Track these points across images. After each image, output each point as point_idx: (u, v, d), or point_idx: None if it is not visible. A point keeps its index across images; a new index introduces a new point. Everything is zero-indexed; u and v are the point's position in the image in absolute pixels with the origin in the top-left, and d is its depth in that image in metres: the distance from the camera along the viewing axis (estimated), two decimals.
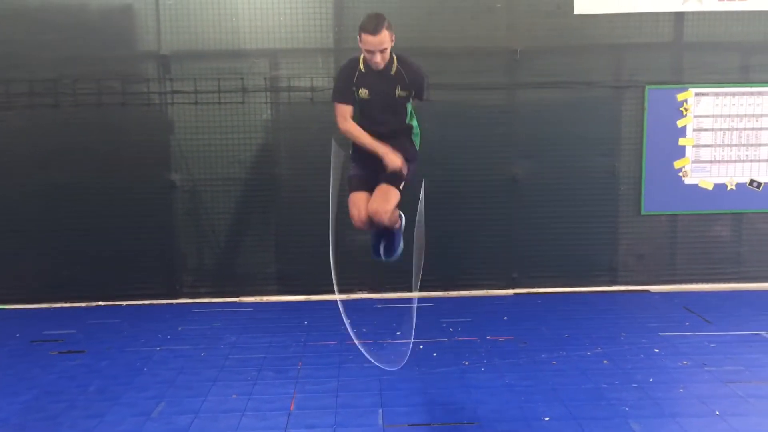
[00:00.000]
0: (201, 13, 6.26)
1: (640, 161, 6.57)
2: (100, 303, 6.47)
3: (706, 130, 6.59)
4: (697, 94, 6.53)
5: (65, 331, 5.70)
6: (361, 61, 4.18)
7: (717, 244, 6.72)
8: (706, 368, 4.71)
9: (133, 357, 5.09)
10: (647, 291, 6.65)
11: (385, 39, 4.01)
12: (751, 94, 6.56)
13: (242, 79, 6.34)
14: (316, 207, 6.46)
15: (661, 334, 5.40)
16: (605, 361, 4.85)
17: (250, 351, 5.18)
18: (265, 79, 6.36)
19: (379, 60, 4.08)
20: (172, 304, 6.46)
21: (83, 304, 6.45)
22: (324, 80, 6.36)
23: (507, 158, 6.50)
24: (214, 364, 4.93)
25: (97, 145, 6.33)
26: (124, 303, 6.45)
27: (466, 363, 4.87)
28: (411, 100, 4.33)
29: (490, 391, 4.40)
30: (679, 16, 6.44)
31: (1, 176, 6.35)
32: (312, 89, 6.37)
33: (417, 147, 4.52)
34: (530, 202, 6.55)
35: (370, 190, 4.30)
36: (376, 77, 4.18)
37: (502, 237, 6.58)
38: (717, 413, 4.04)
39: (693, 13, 6.42)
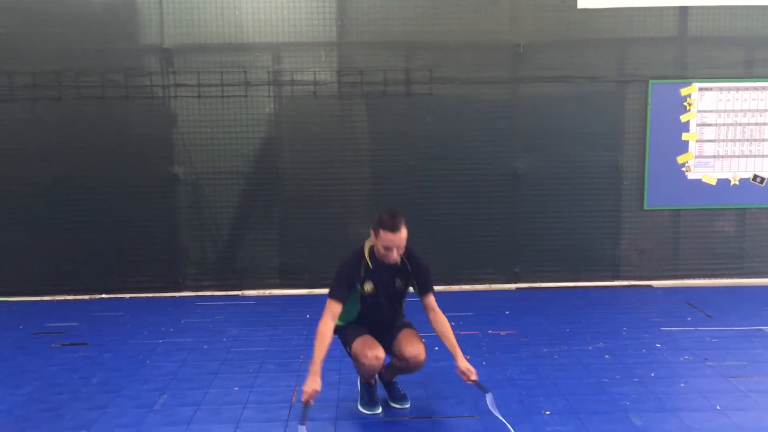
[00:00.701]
0: (204, 6, 6.26)
1: (643, 156, 6.56)
2: (103, 295, 6.50)
3: (709, 125, 6.58)
4: (700, 89, 6.52)
5: (68, 324, 5.72)
6: (367, 256, 3.99)
7: (720, 240, 6.72)
8: (707, 363, 4.71)
9: (136, 349, 5.11)
10: (649, 286, 6.65)
11: (404, 236, 3.86)
12: (755, 89, 6.54)
13: (245, 72, 6.34)
14: (318, 201, 6.49)
15: (662, 329, 5.40)
16: (607, 356, 4.86)
17: (252, 344, 5.20)
18: (268, 72, 6.36)
19: (396, 256, 3.90)
20: (174, 296, 6.48)
21: (86, 297, 6.47)
22: (327, 74, 6.36)
23: (509, 152, 6.50)
24: (217, 357, 4.94)
25: (100, 138, 6.34)
26: (127, 296, 6.47)
27: (468, 357, 4.86)
28: (413, 290, 4.12)
29: (491, 384, 4.37)
30: (683, 11, 6.42)
31: (3, 169, 6.36)
32: (315, 83, 6.36)
33: None
34: (532, 197, 6.55)
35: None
36: (383, 271, 4.00)
37: (504, 231, 6.58)
38: (718, 408, 4.04)
39: (697, 7, 6.40)
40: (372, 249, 3.97)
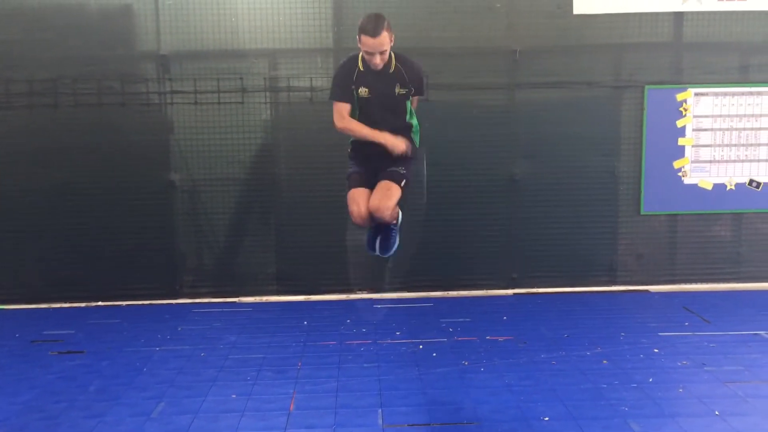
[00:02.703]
0: (200, 13, 6.25)
1: (639, 161, 6.57)
2: (100, 303, 6.47)
3: (705, 130, 6.59)
4: (696, 94, 6.54)
5: (65, 331, 5.70)
6: (360, 59, 4.19)
7: (716, 244, 6.72)
8: (705, 368, 4.71)
9: (133, 357, 5.09)
10: (647, 291, 6.65)
11: (384, 41, 4.02)
12: (751, 94, 6.56)
13: (241, 79, 6.34)
14: (315, 207, 6.49)
15: (660, 334, 5.40)
16: (605, 361, 4.85)
17: (250, 351, 5.18)
18: (264, 79, 6.36)
19: (378, 61, 4.09)
20: (171, 304, 6.46)
21: (83, 304, 6.45)
22: (323, 80, 6.35)
23: (506, 158, 6.50)
24: (214, 364, 4.93)
25: (96, 145, 6.33)
26: (124, 303, 6.45)
27: (466, 363, 4.87)
28: (410, 98, 4.34)
29: (489, 391, 4.40)
30: (678, 16, 6.44)
31: (0, 176, 6.34)
32: (311, 89, 6.37)
33: (417, 144, 4.53)
34: (530, 202, 6.55)
35: (370, 187, 4.29)
36: (376, 76, 4.19)
37: (501, 237, 6.58)
38: (716, 413, 4.04)
39: (692, 13, 6.42)
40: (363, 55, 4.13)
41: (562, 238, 6.61)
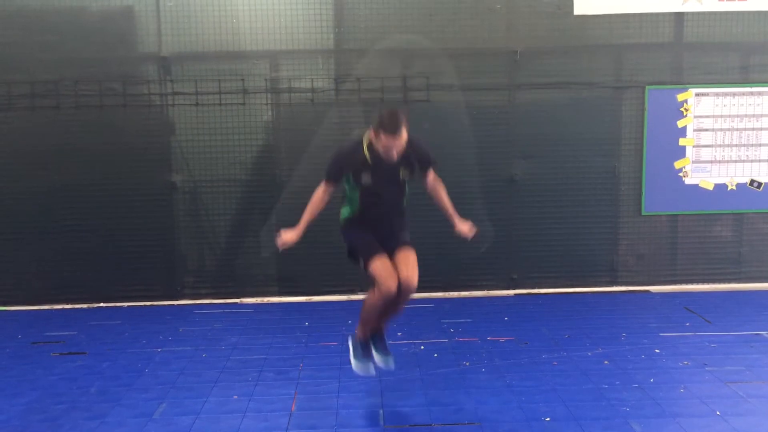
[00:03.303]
0: (201, 14, 6.27)
1: (640, 161, 6.58)
2: (101, 304, 6.48)
3: (706, 130, 6.60)
4: (697, 95, 6.54)
5: (66, 333, 5.70)
6: (366, 151, 4.02)
7: (717, 245, 6.72)
8: (706, 368, 4.71)
9: (135, 358, 5.10)
10: (648, 291, 6.65)
11: (404, 137, 3.89)
12: (751, 94, 6.56)
13: (243, 80, 6.34)
14: None
15: (661, 334, 5.40)
16: (606, 362, 4.85)
17: (251, 352, 5.19)
18: (265, 80, 6.37)
19: (394, 155, 3.94)
20: (173, 305, 6.47)
21: (84, 306, 6.46)
22: (324, 81, 6.37)
23: (507, 159, 6.51)
24: (215, 366, 4.93)
25: (98, 147, 6.34)
26: (125, 304, 6.46)
27: (467, 364, 4.87)
28: (415, 171, 4.19)
29: (490, 391, 4.40)
30: (678, 17, 6.44)
31: (2, 177, 6.36)
32: (312, 90, 6.37)
33: (405, 205, 4.38)
34: (530, 203, 6.55)
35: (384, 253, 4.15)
36: (384, 164, 4.02)
37: (502, 238, 6.58)
38: (718, 413, 4.04)
39: (693, 13, 6.43)
40: (371, 143, 4.00)
41: (562, 239, 6.61)
